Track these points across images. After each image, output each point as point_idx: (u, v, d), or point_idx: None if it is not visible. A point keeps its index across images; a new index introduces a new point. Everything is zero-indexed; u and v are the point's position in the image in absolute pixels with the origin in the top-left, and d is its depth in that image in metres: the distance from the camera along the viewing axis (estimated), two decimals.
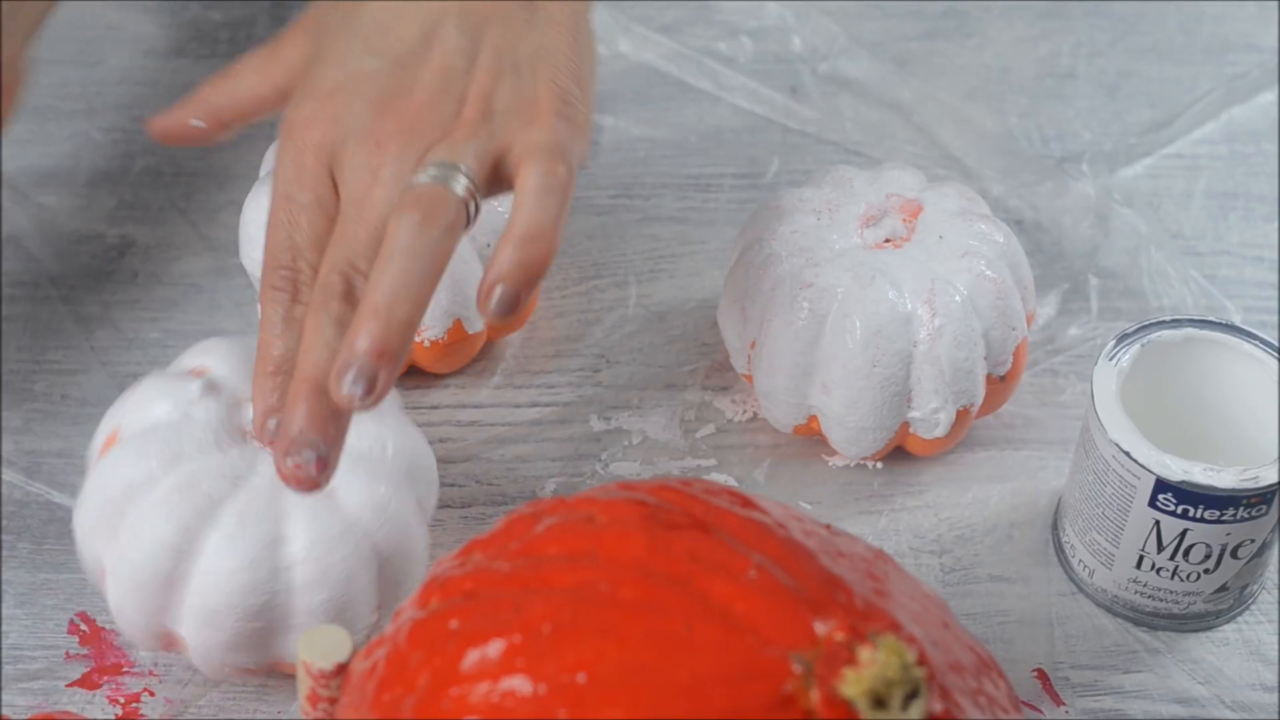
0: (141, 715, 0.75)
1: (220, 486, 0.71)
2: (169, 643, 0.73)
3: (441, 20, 0.74)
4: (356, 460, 0.72)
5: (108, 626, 0.77)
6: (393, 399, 0.77)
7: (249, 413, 0.73)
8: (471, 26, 0.74)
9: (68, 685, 0.76)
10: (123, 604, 0.72)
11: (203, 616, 0.71)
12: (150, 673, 0.76)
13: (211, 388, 0.73)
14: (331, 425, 0.68)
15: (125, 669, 0.76)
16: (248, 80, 0.77)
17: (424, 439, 0.76)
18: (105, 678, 0.76)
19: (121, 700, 0.76)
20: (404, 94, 0.73)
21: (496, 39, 0.74)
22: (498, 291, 0.69)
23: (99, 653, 0.77)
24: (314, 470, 0.68)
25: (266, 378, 0.71)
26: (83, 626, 0.78)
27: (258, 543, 0.70)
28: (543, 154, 0.71)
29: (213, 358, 0.75)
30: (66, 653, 0.77)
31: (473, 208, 0.71)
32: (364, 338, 0.67)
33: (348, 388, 0.67)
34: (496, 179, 0.72)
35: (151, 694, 0.76)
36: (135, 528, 0.71)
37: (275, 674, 0.75)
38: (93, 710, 0.75)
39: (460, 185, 0.70)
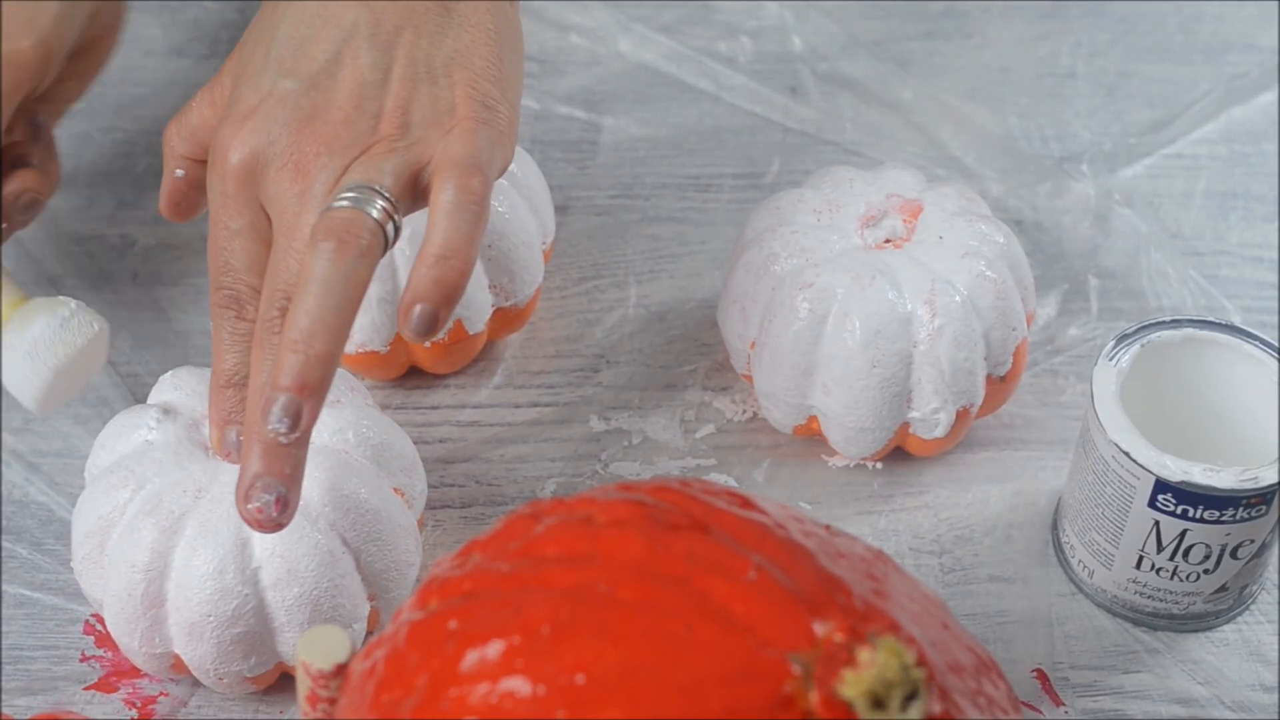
0: (163, 693, 0.76)
1: (183, 502, 0.72)
2: (178, 665, 0.74)
3: (352, 35, 0.74)
4: (315, 454, 0.73)
5: None
6: (354, 391, 0.77)
7: (206, 429, 0.74)
8: (383, 38, 0.73)
9: (85, 688, 0.76)
10: (120, 634, 0.73)
11: (187, 630, 0.72)
12: (169, 677, 0.77)
13: (167, 412, 0.75)
14: (285, 464, 0.68)
15: (142, 673, 0.77)
16: (199, 113, 0.77)
17: (392, 424, 0.77)
18: (123, 681, 0.77)
19: (138, 703, 0.76)
20: (320, 114, 0.72)
21: (409, 48, 0.73)
22: (415, 311, 0.69)
23: (116, 656, 0.77)
24: (274, 511, 0.68)
25: (220, 391, 0.72)
26: (99, 627, 0.78)
27: (221, 548, 0.71)
28: (457, 168, 0.71)
29: (171, 389, 0.76)
30: (82, 653, 0.77)
31: (391, 228, 0.70)
32: (285, 373, 0.67)
33: (273, 423, 0.67)
34: (417, 193, 0.72)
35: (167, 695, 0.76)
36: (112, 557, 0.72)
37: (288, 679, 0.75)
38: (103, 711, 0.76)
39: (376, 208, 0.70)
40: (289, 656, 0.73)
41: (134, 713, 0.76)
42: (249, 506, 0.68)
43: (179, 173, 0.79)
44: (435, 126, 0.72)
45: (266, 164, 0.72)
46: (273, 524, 0.69)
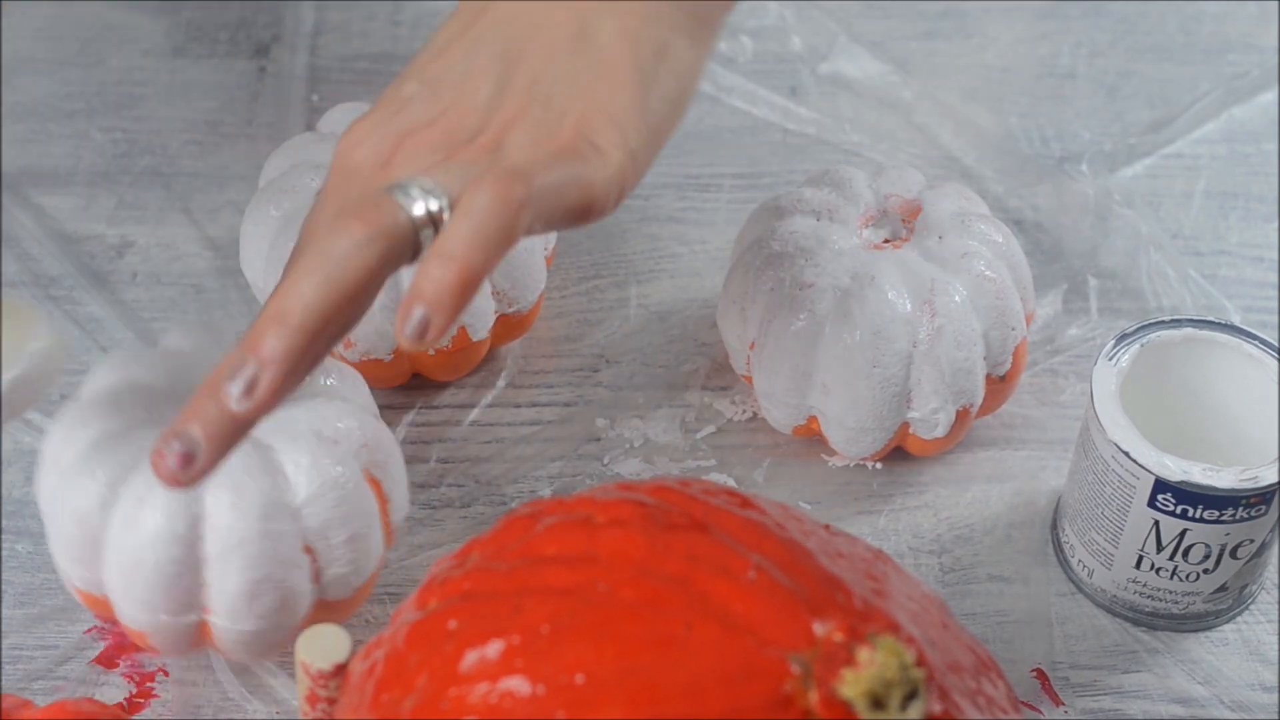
0: (155, 694, 0.76)
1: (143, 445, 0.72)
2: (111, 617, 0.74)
3: (483, 46, 0.70)
4: (258, 444, 0.73)
5: None
6: (356, 389, 0.77)
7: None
8: (513, 55, 0.70)
9: (90, 662, 0.77)
10: (60, 558, 0.73)
11: (122, 572, 0.72)
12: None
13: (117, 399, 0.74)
14: (213, 425, 0.64)
15: (143, 648, 0.77)
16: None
17: (352, 409, 0.75)
18: (123, 656, 0.77)
19: (136, 678, 0.76)
20: (428, 121, 0.69)
21: (536, 70, 0.69)
22: (411, 314, 0.64)
23: (119, 631, 0.78)
24: (175, 462, 0.64)
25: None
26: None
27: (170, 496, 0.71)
28: (505, 174, 0.65)
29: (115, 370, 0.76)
30: (91, 626, 0.78)
31: (430, 233, 0.65)
32: (254, 336, 0.64)
33: (229, 386, 0.63)
34: None
35: (166, 674, 0.77)
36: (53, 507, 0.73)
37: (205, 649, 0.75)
38: (107, 695, 0.76)
39: (419, 206, 0.65)
40: (214, 614, 0.72)
41: (132, 687, 0.76)
42: (158, 447, 0.64)
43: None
44: (531, 149, 0.68)
45: (365, 159, 0.69)
46: (167, 474, 0.64)
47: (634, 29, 0.70)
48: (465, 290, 0.64)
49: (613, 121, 0.69)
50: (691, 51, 0.72)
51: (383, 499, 0.75)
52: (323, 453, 0.73)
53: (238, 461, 0.71)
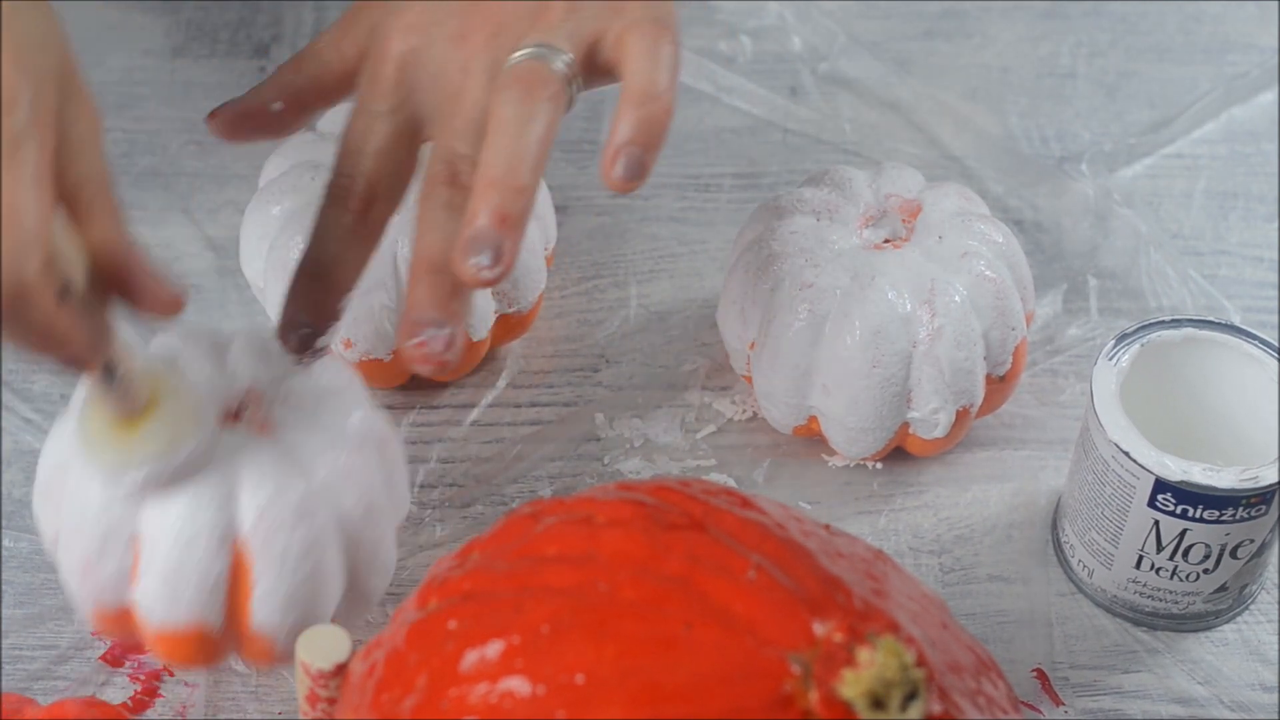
0: (159, 694, 0.76)
1: None
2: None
3: None
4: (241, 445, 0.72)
5: None
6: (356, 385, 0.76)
7: None
8: None
9: (98, 659, 0.77)
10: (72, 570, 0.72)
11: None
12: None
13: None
14: (453, 302, 0.68)
15: (146, 648, 0.77)
16: (323, 57, 0.75)
17: (361, 401, 0.75)
18: (129, 655, 0.77)
19: (142, 678, 0.77)
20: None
21: None
22: (623, 155, 0.68)
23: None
24: (440, 346, 0.68)
25: (306, 280, 0.72)
26: None
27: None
28: (648, 24, 0.70)
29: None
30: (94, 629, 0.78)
31: (574, 87, 0.70)
32: (484, 210, 0.67)
33: (473, 259, 0.67)
34: (594, 66, 0.71)
35: (170, 673, 0.77)
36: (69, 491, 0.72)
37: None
38: (111, 695, 0.76)
39: (560, 61, 0.69)
40: (140, 608, 0.72)
41: (137, 686, 0.76)
42: (412, 343, 0.68)
43: (277, 106, 0.76)
44: (604, 6, 0.71)
45: (431, 44, 0.71)
46: (438, 359, 0.68)
47: None
48: (667, 123, 0.69)
49: None
50: None
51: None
52: (342, 446, 0.72)
53: (269, 463, 0.71)
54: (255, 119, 0.77)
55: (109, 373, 0.66)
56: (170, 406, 0.69)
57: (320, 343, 0.72)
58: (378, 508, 0.73)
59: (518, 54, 0.70)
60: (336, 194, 0.72)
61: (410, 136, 0.73)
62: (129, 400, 0.68)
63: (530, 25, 0.71)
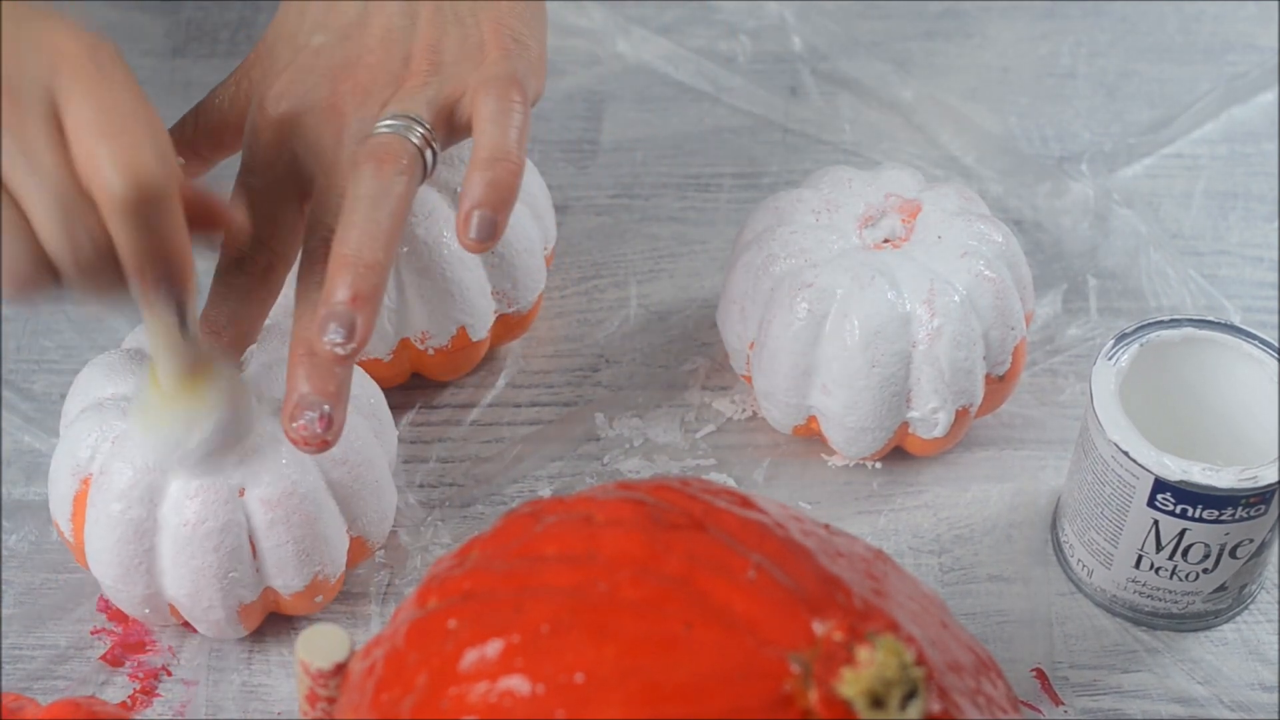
0: (158, 693, 0.76)
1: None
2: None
3: None
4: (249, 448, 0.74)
5: None
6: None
7: None
8: None
9: (98, 659, 0.77)
10: (106, 574, 0.74)
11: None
12: (169, 649, 0.77)
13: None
14: (330, 383, 0.70)
15: (148, 647, 0.77)
16: (220, 111, 0.78)
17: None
18: (129, 655, 0.77)
19: (141, 677, 0.77)
20: (353, 62, 0.75)
21: None
22: (475, 217, 0.70)
23: (125, 630, 0.78)
24: (319, 428, 0.70)
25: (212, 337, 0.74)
26: (114, 605, 0.78)
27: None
28: (497, 83, 0.73)
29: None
30: (93, 628, 0.78)
31: (429, 155, 0.73)
32: (338, 287, 0.69)
33: (329, 336, 0.69)
34: (453, 126, 0.74)
35: (169, 673, 0.77)
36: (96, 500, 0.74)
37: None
38: (112, 694, 0.76)
39: (415, 134, 0.72)
40: (169, 593, 0.74)
41: (136, 685, 0.76)
42: (294, 425, 0.69)
43: (178, 161, 0.78)
44: (466, 61, 0.74)
45: (304, 112, 0.74)
46: (318, 440, 0.70)
47: None
48: (515, 183, 0.71)
49: (519, 19, 0.76)
50: None
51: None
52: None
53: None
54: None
55: (183, 316, 0.68)
56: (224, 370, 0.72)
57: None
58: (366, 453, 0.75)
59: (379, 125, 0.73)
60: (229, 259, 0.74)
61: (295, 200, 0.75)
62: (196, 350, 0.70)
63: (394, 89, 0.74)
